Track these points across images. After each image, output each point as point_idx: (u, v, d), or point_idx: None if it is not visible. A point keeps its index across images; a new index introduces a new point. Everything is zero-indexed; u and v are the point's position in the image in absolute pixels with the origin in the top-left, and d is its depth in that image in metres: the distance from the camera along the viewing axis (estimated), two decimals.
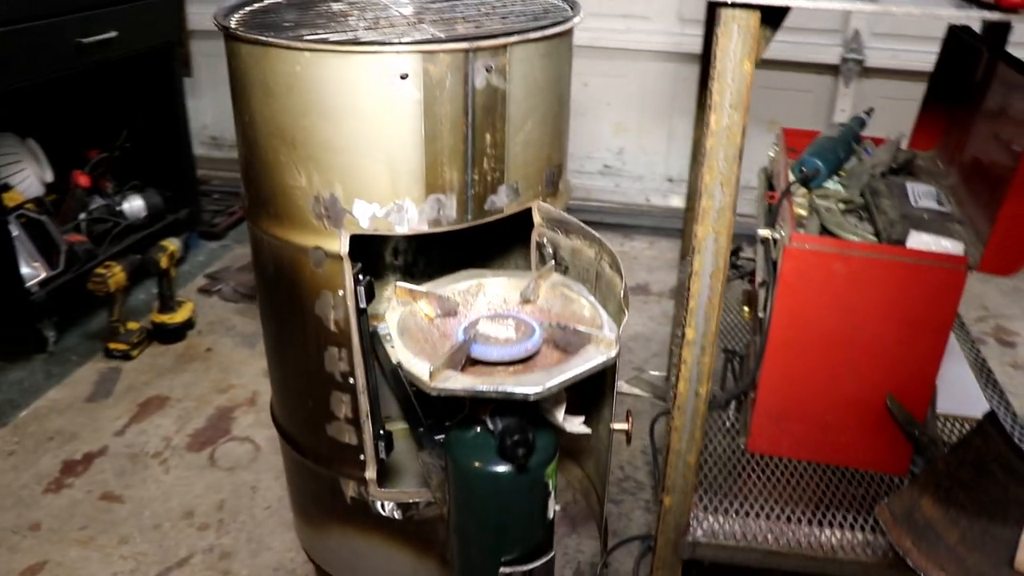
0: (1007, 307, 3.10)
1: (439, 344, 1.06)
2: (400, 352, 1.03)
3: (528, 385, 0.95)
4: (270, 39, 1.10)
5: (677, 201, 3.74)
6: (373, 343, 1.34)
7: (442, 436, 1.52)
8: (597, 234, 1.23)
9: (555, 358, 1.02)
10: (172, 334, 2.73)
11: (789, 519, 1.57)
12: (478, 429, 1.12)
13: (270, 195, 1.24)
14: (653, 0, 3.58)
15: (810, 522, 1.57)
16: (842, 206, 1.81)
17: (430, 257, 1.65)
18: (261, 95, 1.16)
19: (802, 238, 1.57)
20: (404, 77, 1.10)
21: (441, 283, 1.19)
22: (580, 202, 3.70)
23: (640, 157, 3.87)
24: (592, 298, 1.15)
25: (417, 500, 1.44)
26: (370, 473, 1.41)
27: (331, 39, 1.10)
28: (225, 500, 2.15)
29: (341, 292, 1.25)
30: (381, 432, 1.39)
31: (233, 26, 1.19)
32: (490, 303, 1.16)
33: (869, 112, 2.11)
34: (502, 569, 1.14)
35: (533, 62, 1.19)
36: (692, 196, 2.63)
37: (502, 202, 1.26)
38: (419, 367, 1.00)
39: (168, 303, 2.72)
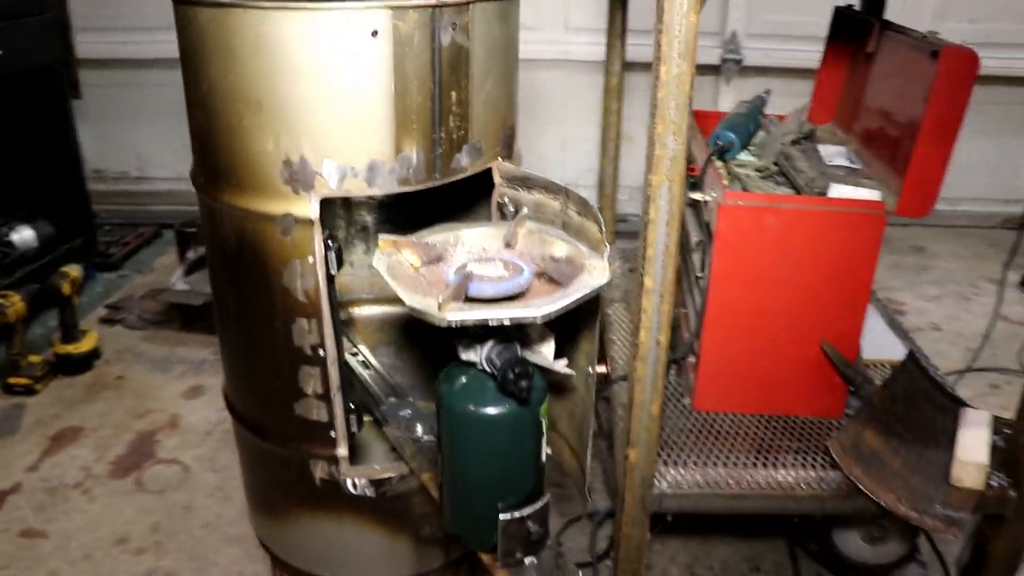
0: (892, 280, 3.33)
1: (430, 291, 1.07)
2: (401, 291, 1.03)
3: (534, 309, 0.98)
4: (236, 1, 1.10)
5: None
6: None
7: (408, 412, 1.52)
8: (561, 184, 1.27)
9: (548, 290, 1.05)
10: (78, 364, 2.60)
11: (746, 465, 1.64)
12: (468, 375, 1.13)
13: (233, 164, 1.22)
14: (541, 10, 3.69)
15: (765, 465, 1.64)
16: (758, 174, 1.93)
17: (390, 222, 1.66)
18: (223, 60, 1.15)
19: (736, 195, 1.66)
20: (375, 34, 1.12)
21: (419, 236, 1.20)
22: None
23: (534, 164, 3.95)
24: (569, 238, 1.18)
25: (390, 475, 1.42)
26: (342, 450, 1.39)
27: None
28: (159, 522, 2.06)
29: (311, 259, 1.24)
30: (351, 406, 1.38)
31: None
32: (470, 251, 1.17)
33: (767, 92, 2.25)
34: (501, 515, 1.15)
35: (492, 22, 1.23)
36: (604, 184, 2.73)
37: (466, 161, 1.28)
38: (425, 302, 1.01)
39: (72, 332, 2.59)
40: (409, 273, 1.10)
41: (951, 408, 1.79)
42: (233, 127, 1.19)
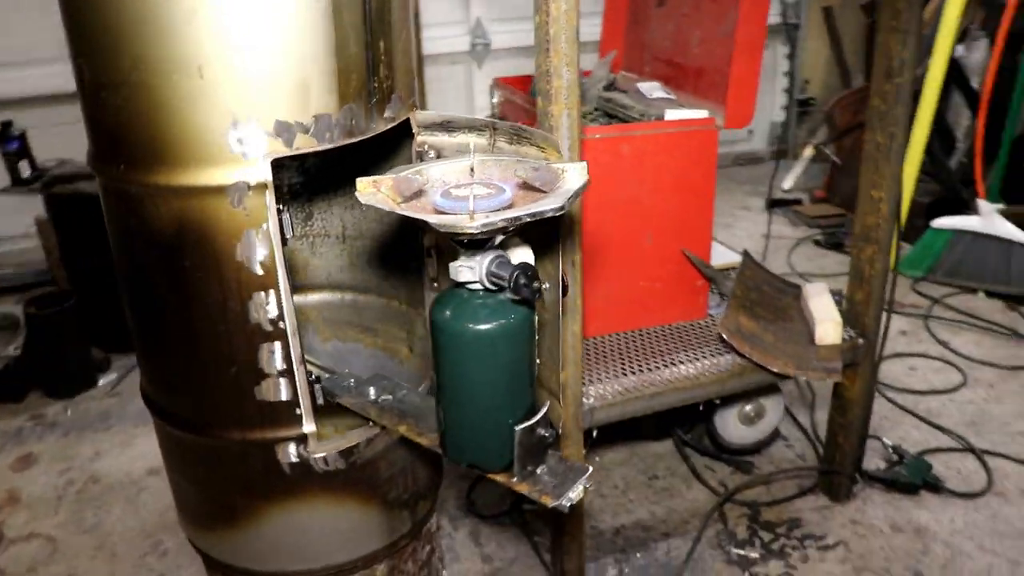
0: None
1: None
2: (418, 212, 1.06)
3: (552, 199, 1.06)
4: None
5: None
6: None
7: (350, 381, 1.51)
8: (485, 119, 1.35)
9: (535, 197, 1.13)
10: None
11: (651, 369, 1.80)
12: (458, 299, 1.17)
13: (171, 140, 1.16)
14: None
15: (667, 366, 1.82)
16: (586, 119, 2.10)
17: (313, 185, 1.64)
18: (153, 30, 1.10)
19: (593, 130, 1.82)
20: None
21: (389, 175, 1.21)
22: None
23: None
24: (523, 157, 1.26)
25: (356, 442, 1.41)
26: (309, 426, 1.36)
27: None
28: None
29: (264, 226, 1.21)
30: (313, 376, 1.35)
31: None
32: (444, 183, 1.21)
33: None
34: (517, 427, 1.20)
35: None
36: None
37: (395, 110, 1.32)
38: (453, 217, 1.04)
39: None
40: (399, 206, 1.13)
41: (789, 289, 2.09)
42: (169, 100, 1.13)
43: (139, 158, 1.20)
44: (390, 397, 1.48)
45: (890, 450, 2.18)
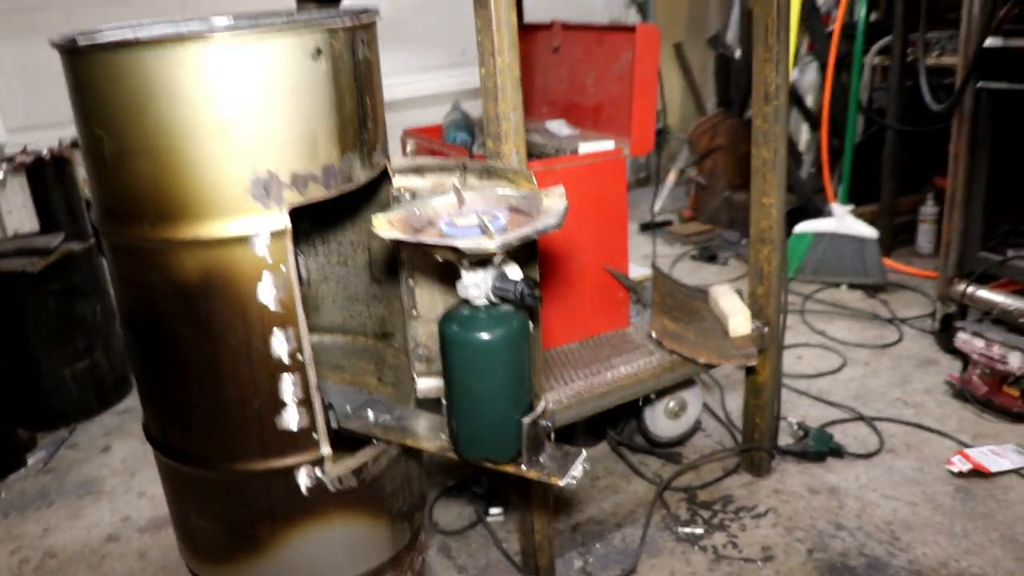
0: None
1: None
2: (440, 240, 1.24)
3: (549, 218, 1.27)
4: (203, 33, 1.21)
5: None
6: None
7: (349, 407, 1.65)
8: (454, 159, 1.54)
9: (526, 220, 1.33)
10: None
11: (596, 373, 2.02)
12: (463, 314, 1.36)
13: (197, 196, 1.29)
14: None
15: (608, 369, 2.04)
16: None
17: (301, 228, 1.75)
18: (175, 98, 1.23)
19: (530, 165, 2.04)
20: (318, 53, 1.30)
21: (391, 212, 1.38)
22: None
23: None
24: (504, 187, 1.46)
25: (365, 460, 1.55)
26: (326, 449, 1.49)
27: (247, 28, 1.24)
28: None
29: (283, 268, 1.35)
30: (326, 402, 1.49)
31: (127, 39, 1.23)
32: (441, 214, 1.39)
33: (458, 102, 2.68)
34: (524, 420, 1.39)
35: (374, 40, 1.47)
36: None
37: (379, 159, 1.50)
38: (474, 239, 1.23)
39: None
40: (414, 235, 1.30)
41: (696, 293, 2.37)
42: (197, 159, 1.27)
43: (164, 215, 1.31)
44: (388, 416, 1.63)
45: (795, 427, 2.48)
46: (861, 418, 2.57)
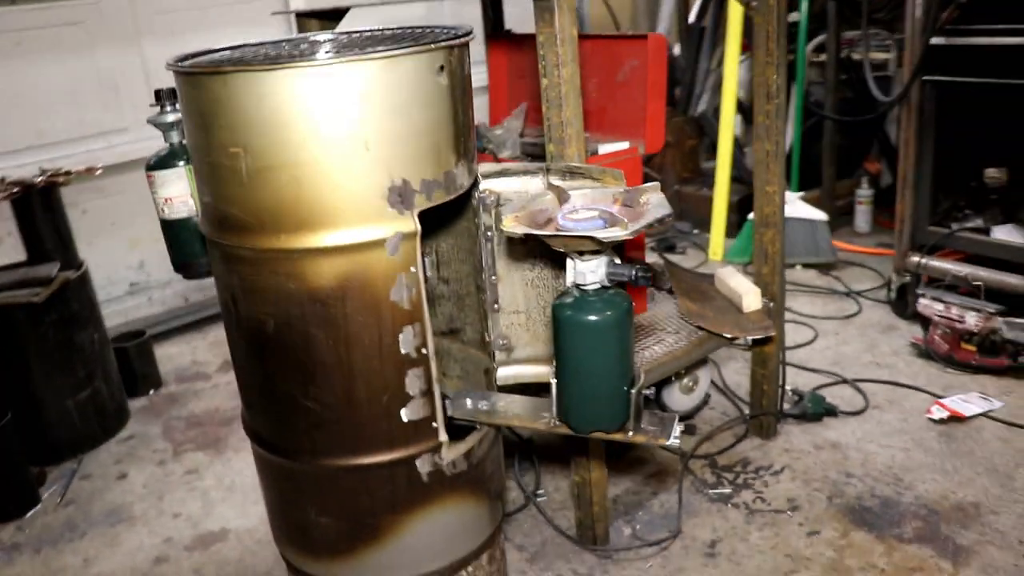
0: None
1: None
2: (579, 232, 1.38)
3: (661, 210, 1.43)
4: (366, 55, 1.32)
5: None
6: None
7: (449, 397, 1.76)
8: (530, 162, 1.69)
9: (633, 214, 1.49)
10: None
11: (638, 352, 2.19)
12: (574, 299, 1.50)
13: (337, 206, 1.38)
14: (125, 112, 3.70)
15: (645, 348, 2.21)
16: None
17: None
18: (315, 116, 1.33)
19: None
20: (441, 70, 1.42)
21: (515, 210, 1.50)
22: (118, 327, 3.55)
23: (163, 263, 3.92)
24: (585, 182, 1.61)
25: (472, 444, 1.67)
26: (443, 436, 1.61)
27: (393, 48, 1.36)
28: None
29: (412, 268, 1.47)
30: (444, 394, 1.61)
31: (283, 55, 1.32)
32: (562, 209, 1.53)
33: None
34: (632, 391, 1.55)
35: (468, 56, 1.59)
36: None
37: (474, 163, 1.63)
38: (610, 230, 1.37)
39: None
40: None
41: (703, 277, 2.58)
42: (338, 171, 1.37)
43: (304, 225, 1.40)
44: (486, 403, 1.75)
45: (791, 393, 2.72)
46: (844, 381, 2.84)
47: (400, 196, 1.42)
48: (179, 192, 1.74)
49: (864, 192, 4.04)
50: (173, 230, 1.78)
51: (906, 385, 2.78)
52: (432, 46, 1.40)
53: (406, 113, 1.40)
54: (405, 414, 1.56)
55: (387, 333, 1.49)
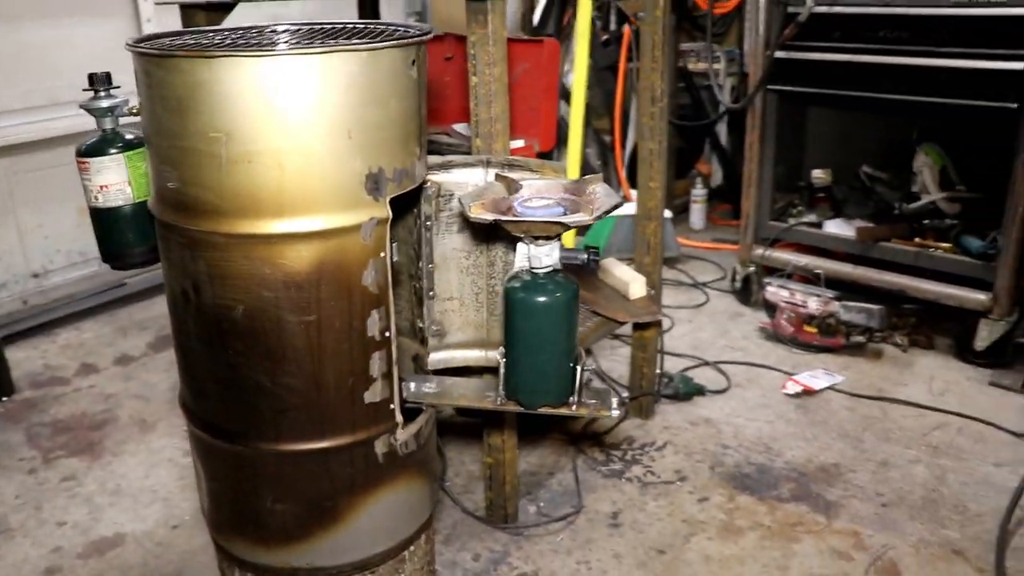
0: None
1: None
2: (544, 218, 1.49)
3: (613, 199, 1.57)
4: (348, 47, 1.36)
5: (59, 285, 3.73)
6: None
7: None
8: (478, 156, 1.79)
9: (582, 200, 1.62)
10: None
11: None
12: (525, 281, 1.61)
13: (319, 192, 1.42)
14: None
15: None
16: None
17: None
18: (312, 101, 1.37)
19: None
20: (414, 63, 1.49)
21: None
22: None
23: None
24: (525, 174, 1.72)
25: (420, 426, 1.74)
26: (399, 416, 1.67)
27: (377, 41, 1.41)
28: None
29: (382, 253, 1.53)
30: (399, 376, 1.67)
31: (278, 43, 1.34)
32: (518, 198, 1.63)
33: None
34: (577, 367, 1.68)
35: None
36: None
37: (426, 156, 1.70)
38: (575, 216, 1.49)
39: None
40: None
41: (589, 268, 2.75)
42: (324, 156, 1.40)
43: (284, 210, 1.43)
44: (431, 386, 1.82)
45: (661, 376, 2.95)
46: (706, 363, 3.11)
47: (376, 183, 1.48)
48: (116, 179, 1.69)
49: (699, 192, 4.41)
50: (107, 219, 1.72)
51: (760, 365, 3.10)
52: (408, 41, 1.47)
53: (385, 104, 1.45)
54: (367, 396, 1.60)
55: (356, 317, 1.54)
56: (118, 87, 1.75)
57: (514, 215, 1.58)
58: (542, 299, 1.60)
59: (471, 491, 2.45)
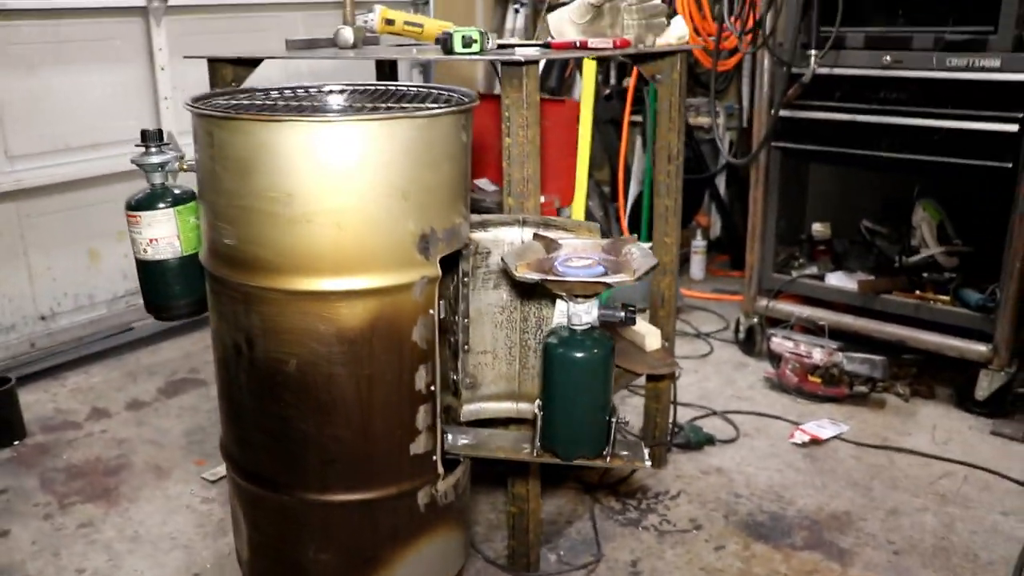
0: None
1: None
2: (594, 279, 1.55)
3: (651, 260, 1.63)
4: (408, 113, 1.43)
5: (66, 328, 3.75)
6: None
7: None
8: (513, 215, 1.85)
9: (621, 262, 1.68)
10: None
11: None
12: (563, 338, 1.67)
13: (372, 251, 1.48)
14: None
15: None
16: None
17: None
18: (365, 166, 1.43)
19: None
20: (464, 128, 1.56)
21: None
22: None
23: (4, 306, 3.67)
24: (561, 233, 1.79)
25: (459, 477, 1.79)
26: (441, 469, 1.71)
27: (435, 107, 1.48)
28: None
29: (431, 311, 1.58)
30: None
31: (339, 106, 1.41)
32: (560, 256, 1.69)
33: None
34: (612, 420, 1.74)
35: None
36: None
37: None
38: (619, 276, 1.55)
39: None
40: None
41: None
42: (380, 218, 1.47)
43: (341, 269, 1.49)
44: (467, 438, 1.86)
45: (670, 425, 3.01)
46: (714, 413, 3.17)
47: (427, 243, 1.54)
48: (166, 233, 1.74)
49: (699, 243, 4.50)
50: (155, 271, 1.77)
51: (767, 415, 3.16)
52: (462, 107, 1.54)
53: (438, 167, 1.52)
54: (413, 448, 1.65)
55: (405, 371, 1.59)
56: (168, 144, 1.80)
57: (556, 275, 1.64)
58: (581, 355, 1.66)
59: (491, 539, 2.48)
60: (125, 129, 3.91)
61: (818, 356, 3.17)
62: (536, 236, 1.79)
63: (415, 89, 1.77)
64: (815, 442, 2.94)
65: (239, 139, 1.45)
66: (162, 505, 2.66)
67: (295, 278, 1.50)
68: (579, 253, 1.73)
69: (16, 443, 3.00)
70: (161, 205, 1.73)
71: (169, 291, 1.78)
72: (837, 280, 3.39)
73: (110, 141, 3.88)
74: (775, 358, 3.33)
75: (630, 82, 4.13)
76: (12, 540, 2.50)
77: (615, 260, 1.70)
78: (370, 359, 1.55)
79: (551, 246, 1.75)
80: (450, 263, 1.82)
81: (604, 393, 1.73)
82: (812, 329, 3.34)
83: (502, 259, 1.76)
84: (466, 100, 1.59)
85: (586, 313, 1.67)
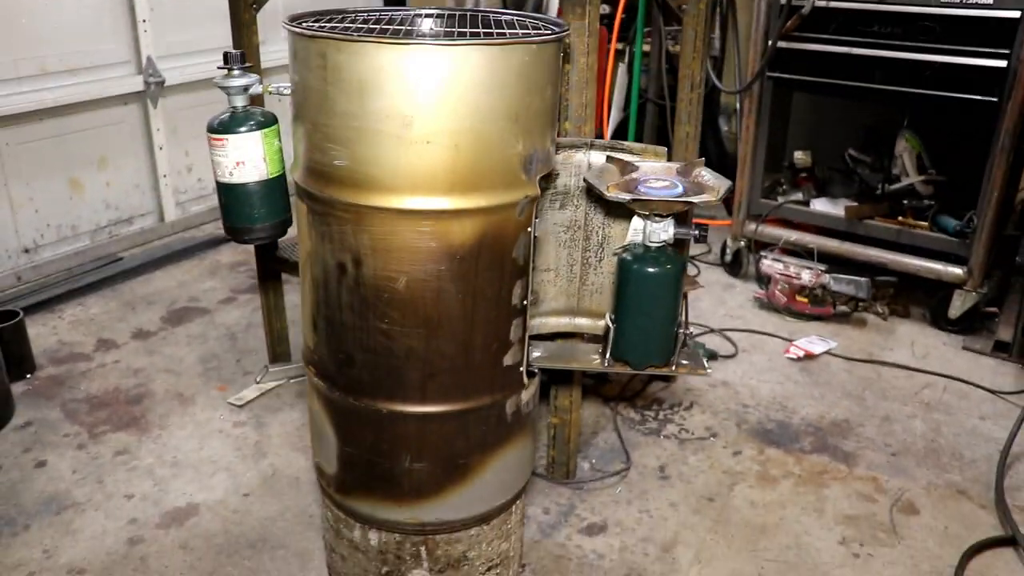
0: None
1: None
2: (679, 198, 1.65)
3: (726, 181, 1.74)
4: (526, 39, 1.48)
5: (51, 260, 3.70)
6: None
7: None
8: (582, 138, 1.93)
9: (696, 182, 1.79)
10: None
11: None
12: (638, 254, 1.78)
13: (487, 171, 1.54)
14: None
15: None
16: None
17: None
18: (484, 87, 1.49)
19: None
20: (563, 54, 1.62)
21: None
22: None
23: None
24: (629, 155, 1.88)
25: (535, 389, 1.89)
26: (526, 379, 1.81)
27: (544, 33, 1.54)
28: None
29: (529, 229, 1.66)
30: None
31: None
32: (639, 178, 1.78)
33: None
34: (680, 331, 1.86)
35: None
36: None
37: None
38: (703, 197, 1.66)
39: None
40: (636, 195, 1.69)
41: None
42: (494, 139, 1.53)
43: (456, 188, 1.55)
44: (540, 351, 1.97)
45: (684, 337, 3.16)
46: (713, 330, 3.35)
47: (530, 164, 1.61)
48: (253, 156, 1.76)
49: None
50: (240, 194, 1.79)
51: (761, 332, 3.35)
52: (563, 33, 1.60)
53: (543, 91, 1.59)
54: (506, 360, 1.74)
55: (505, 286, 1.67)
56: (249, 65, 1.81)
57: (641, 195, 1.74)
58: (655, 270, 1.78)
59: None
60: (100, 53, 3.81)
61: (807, 277, 3.36)
62: (609, 159, 1.87)
63: (506, 16, 1.81)
64: (808, 357, 3.15)
65: (358, 61, 1.47)
66: (194, 431, 2.70)
67: (410, 197, 1.55)
68: (657, 175, 1.82)
69: (28, 376, 2.97)
70: (246, 128, 1.75)
71: (254, 214, 1.81)
72: (822, 206, 3.58)
73: (87, 66, 3.77)
74: (764, 279, 3.52)
75: (617, 10, 4.16)
76: (52, 469, 2.52)
77: (690, 181, 1.81)
78: (476, 275, 1.62)
79: (626, 168, 1.84)
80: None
81: (675, 307, 1.85)
82: (795, 252, 3.53)
83: (585, 179, 1.84)
84: (558, 29, 1.65)
85: (663, 231, 1.78)
